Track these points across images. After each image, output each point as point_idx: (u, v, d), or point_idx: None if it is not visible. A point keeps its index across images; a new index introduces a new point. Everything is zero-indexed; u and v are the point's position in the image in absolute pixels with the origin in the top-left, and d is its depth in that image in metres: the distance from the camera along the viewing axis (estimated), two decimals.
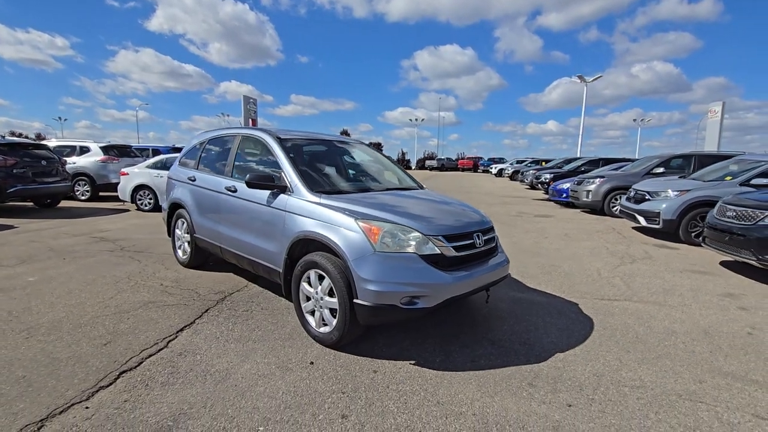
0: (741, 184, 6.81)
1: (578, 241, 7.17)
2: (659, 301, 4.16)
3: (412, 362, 2.82)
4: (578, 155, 25.37)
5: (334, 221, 2.87)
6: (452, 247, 2.84)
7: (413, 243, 2.74)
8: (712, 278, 5.07)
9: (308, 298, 3.10)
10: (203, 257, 4.72)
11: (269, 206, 3.38)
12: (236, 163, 4.01)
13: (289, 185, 3.30)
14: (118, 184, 10.32)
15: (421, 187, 4.11)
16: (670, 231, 7.19)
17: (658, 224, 7.26)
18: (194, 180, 4.49)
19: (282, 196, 3.32)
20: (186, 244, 4.75)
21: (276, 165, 3.58)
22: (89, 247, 5.80)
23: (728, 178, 7.11)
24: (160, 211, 9.58)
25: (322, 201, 3.07)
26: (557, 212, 11.17)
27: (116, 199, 11.16)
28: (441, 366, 2.77)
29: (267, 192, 3.43)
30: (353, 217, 2.82)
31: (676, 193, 7.22)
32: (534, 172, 18.50)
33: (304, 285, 3.08)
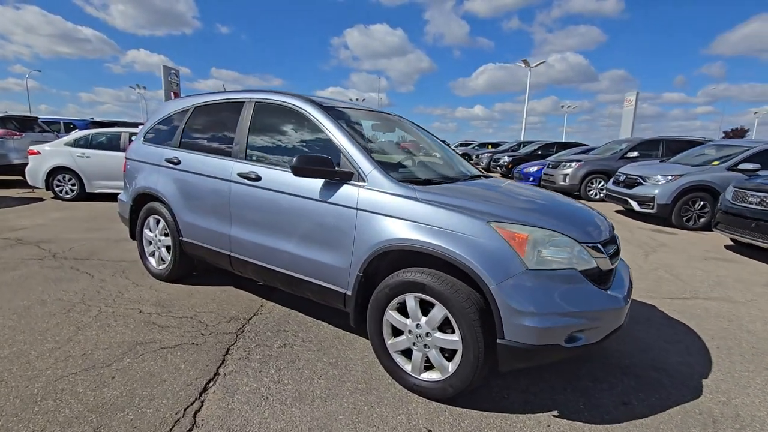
0: (728, 169, 6.97)
1: None
2: (725, 297, 3.87)
3: (555, 414, 2.09)
4: (522, 139, 26.17)
5: (450, 225, 1.99)
6: (608, 256, 2.12)
7: (569, 255, 1.97)
8: (739, 266, 4.99)
9: (398, 332, 2.21)
10: (189, 267, 3.52)
11: (326, 202, 2.38)
12: (252, 141, 2.88)
13: (358, 172, 2.32)
14: (23, 165, 8.14)
15: (486, 175, 3.32)
16: (663, 216, 7.21)
17: (653, 209, 7.25)
18: (178, 163, 3.24)
19: (347, 187, 2.33)
20: (164, 249, 3.50)
21: (322, 144, 2.56)
22: (3, 255, 4.20)
23: (715, 162, 7.26)
24: (85, 200, 7.74)
25: (418, 195, 2.16)
26: None
27: (21, 184, 8.89)
28: (593, 415, 2.07)
29: (318, 182, 2.42)
30: (483, 218, 1.96)
31: (668, 177, 7.23)
32: (490, 155, 18.53)
33: (393, 315, 2.18)
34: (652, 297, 3.79)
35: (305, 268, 2.52)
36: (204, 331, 2.70)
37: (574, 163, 10.21)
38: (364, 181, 2.29)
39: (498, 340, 1.87)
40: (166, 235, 3.44)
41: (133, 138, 5.03)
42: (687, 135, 10.37)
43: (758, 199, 5.08)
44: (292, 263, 2.57)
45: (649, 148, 10.11)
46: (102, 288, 3.37)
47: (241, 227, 2.82)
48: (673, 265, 4.90)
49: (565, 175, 10.23)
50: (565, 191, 10.56)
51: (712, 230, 6.14)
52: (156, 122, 3.68)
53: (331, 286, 2.41)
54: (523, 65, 27.94)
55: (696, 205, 7.09)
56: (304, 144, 2.70)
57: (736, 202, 5.40)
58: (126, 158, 3.80)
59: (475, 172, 3.21)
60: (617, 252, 2.29)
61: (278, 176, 2.62)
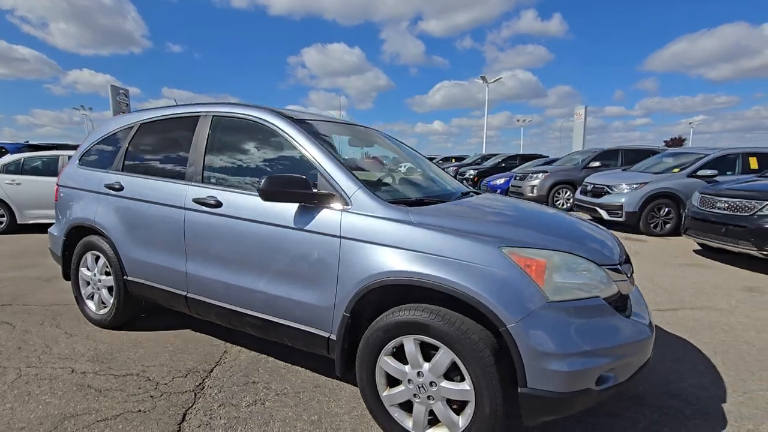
0: (689, 176, 7.21)
1: None
2: (710, 305, 3.81)
3: None
4: (483, 152, 26.79)
5: (455, 253, 1.69)
6: (628, 279, 1.88)
7: (591, 280, 1.71)
8: (712, 271, 5.03)
9: (395, 382, 1.86)
10: (136, 310, 3.00)
11: (303, 230, 2.01)
12: (210, 161, 2.47)
13: (339, 193, 1.98)
14: None
15: (476, 192, 3.07)
16: (631, 223, 7.32)
17: (621, 217, 7.35)
18: (121, 189, 2.76)
19: (327, 211, 1.98)
20: (105, 291, 2.96)
21: (294, 163, 2.21)
22: None
23: (676, 170, 7.50)
24: (17, 233, 6.84)
25: (413, 218, 1.84)
26: None
27: None
28: None
29: (292, 207, 2.05)
30: (493, 244, 1.67)
31: (634, 185, 7.38)
32: (455, 168, 18.70)
33: (389, 361, 1.83)
34: None
35: (280, 309, 2.12)
36: (153, 392, 2.21)
37: (540, 174, 10.35)
38: (348, 204, 1.95)
39: (520, 389, 1.56)
40: (107, 274, 2.91)
41: None
42: (642, 145, 10.80)
43: (726, 204, 5.18)
44: (265, 304, 2.16)
45: (608, 158, 10.43)
46: (25, 342, 2.78)
47: (199, 263, 2.38)
48: (651, 273, 4.86)
49: (533, 186, 10.34)
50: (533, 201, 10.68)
51: (678, 236, 6.27)
52: (94, 142, 3.17)
53: (313, 330, 2.03)
54: (481, 81, 28.83)
55: (661, 212, 7.25)
56: (273, 163, 2.33)
57: (704, 208, 5.50)
58: (58, 185, 3.25)
59: (465, 188, 2.95)
60: (632, 273, 2.08)
61: (243, 201, 2.22)
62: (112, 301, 2.90)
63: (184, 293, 2.47)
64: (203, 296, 2.39)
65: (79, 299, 3.12)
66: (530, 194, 10.34)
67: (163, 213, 2.51)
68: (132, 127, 2.95)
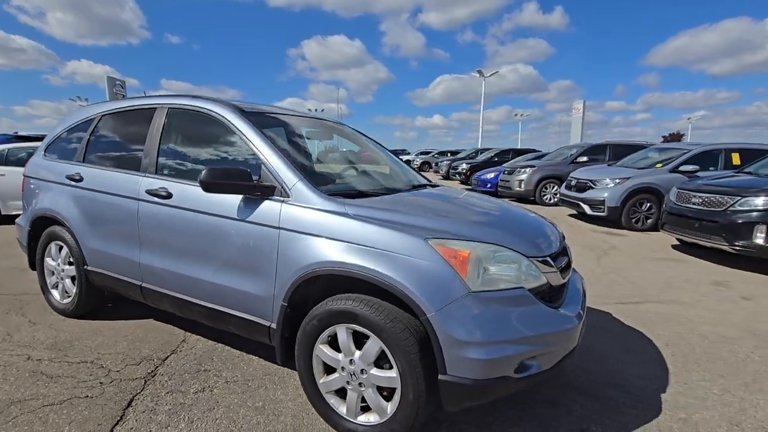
0: (671, 171, 7.24)
1: None
2: (675, 299, 3.86)
3: None
4: (479, 146, 26.73)
5: (385, 244, 1.73)
6: (559, 270, 1.93)
7: (516, 272, 1.76)
8: (686, 265, 5.08)
9: (330, 369, 1.91)
10: (100, 299, 3.04)
11: (245, 221, 2.05)
12: (164, 152, 2.50)
13: (280, 185, 2.02)
14: None
15: (434, 184, 3.10)
16: (613, 218, 7.36)
17: (603, 212, 7.40)
18: (80, 180, 2.79)
19: (268, 203, 2.02)
20: (68, 281, 3.01)
21: (243, 155, 2.24)
22: None
23: (659, 165, 7.53)
24: (1, 224, 6.87)
25: (349, 210, 1.88)
26: None
27: None
28: None
29: (237, 198, 2.09)
30: (419, 235, 1.71)
31: (617, 180, 7.41)
32: (449, 163, 18.69)
33: (324, 349, 1.88)
34: (605, 303, 3.71)
35: (226, 298, 2.17)
36: (104, 378, 2.27)
37: (528, 169, 10.37)
38: (288, 196, 1.99)
39: (440, 377, 1.61)
40: (70, 263, 2.95)
41: None
42: (631, 140, 10.81)
43: (700, 200, 5.22)
44: (212, 294, 2.21)
45: (597, 153, 10.45)
46: None
47: (153, 253, 2.43)
48: (624, 267, 4.91)
49: (520, 180, 10.36)
50: (521, 197, 10.71)
51: (659, 231, 6.31)
52: (59, 133, 3.20)
53: (255, 319, 2.08)
54: (478, 75, 28.70)
55: (643, 207, 7.29)
56: (223, 155, 2.37)
57: (679, 203, 5.54)
58: (24, 175, 3.28)
59: (423, 181, 2.99)
60: (569, 264, 2.12)
61: (192, 193, 2.26)
62: (74, 290, 2.95)
63: (139, 283, 2.52)
64: (157, 286, 2.44)
65: (45, 289, 3.17)
66: (518, 189, 10.37)
67: (119, 204, 2.55)
68: (94, 118, 2.98)
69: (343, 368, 1.84)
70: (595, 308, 3.57)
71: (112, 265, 2.64)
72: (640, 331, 3.14)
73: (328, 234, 1.84)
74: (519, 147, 20.57)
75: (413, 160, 31.87)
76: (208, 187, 1.96)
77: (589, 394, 2.30)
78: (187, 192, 2.27)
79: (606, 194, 7.37)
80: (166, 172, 2.45)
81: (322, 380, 1.92)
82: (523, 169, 10.43)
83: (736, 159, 7.35)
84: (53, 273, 3.10)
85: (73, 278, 2.97)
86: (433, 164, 22.60)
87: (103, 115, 2.95)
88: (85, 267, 2.79)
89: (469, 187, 14.57)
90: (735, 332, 3.15)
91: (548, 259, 1.88)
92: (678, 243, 6.20)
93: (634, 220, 7.30)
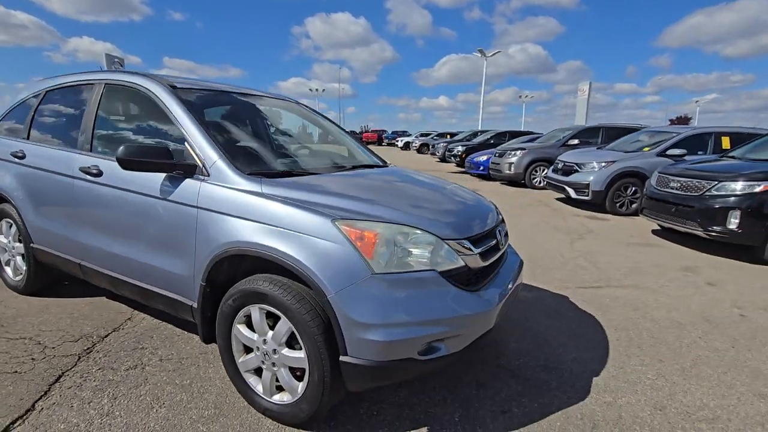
0: (658, 155, 7.10)
1: (517, 217, 6.86)
2: (637, 284, 3.84)
3: (423, 431, 1.86)
4: (479, 128, 26.37)
5: (294, 224, 1.70)
6: (479, 254, 1.90)
7: (428, 254, 1.73)
8: (659, 250, 5.04)
9: (249, 349, 1.91)
10: (50, 277, 3.06)
11: (167, 200, 2.03)
12: (98, 129, 2.46)
13: (201, 164, 1.98)
14: None
15: (386, 164, 3.05)
16: (598, 202, 7.28)
17: (588, 195, 7.31)
18: (23, 157, 2.77)
19: (189, 182, 1.99)
20: (19, 258, 3.02)
21: (170, 132, 2.19)
22: None
23: (646, 149, 7.39)
24: None
25: (265, 189, 1.85)
26: (480, 185, 11.02)
27: None
28: (466, 430, 1.87)
29: (160, 176, 2.06)
30: (328, 215, 1.68)
31: (602, 164, 7.30)
32: (445, 145, 18.47)
33: (241, 329, 1.88)
34: (566, 287, 3.69)
35: (153, 277, 2.16)
36: (38, 354, 2.29)
37: (518, 152, 10.23)
38: (208, 174, 1.96)
39: (341, 358, 1.60)
40: (19, 241, 2.96)
41: None
42: (626, 123, 10.60)
43: (678, 184, 5.13)
44: (140, 272, 2.21)
45: (589, 136, 10.26)
46: None
47: (88, 231, 2.41)
48: (595, 252, 4.87)
49: (510, 163, 10.24)
50: (512, 180, 10.61)
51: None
52: (9, 110, 3.16)
53: (179, 298, 2.08)
54: (479, 55, 28.06)
55: (628, 191, 7.20)
56: (153, 132, 2.32)
57: (659, 188, 5.46)
58: None
59: (372, 161, 2.94)
60: (496, 247, 2.08)
61: (122, 171, 2.21)
62: (24, 268, 2.96)
63: (78, 261, 2.52)
64: (94, 264, 2.44)
65: None
66: (507, 172, 10.26)
67: (57, 181, 2.53)
68: (39, 94, 2.93)
69: (258, 348, 1.84)
70: (554, 292, 3.56)
71: (55, 243, 2.64)
72: (593, 316, 3.12)
73: (241, 214, 1.81)
74: (522, 129, 20.27)
75: (412, 142, 31.60)
76: (124, 164, 1.93)
77: (521, 376, 2.30)
78: (117, 170, 2.23)
79: (591, 178, 7.28)
80: (99, 149, 2.41)
81: (241, 359, 1.93)
82: (513, 152, 10.29)
83: (726, 143, 7.19)
84: (5, 250, 3.11)
85: (23, 255, 2.98)
86: (430, 146, 22.35)
87: (47, 91, 2.90)
88: (31, 245, 2.80)
89: (463, 170, 14.44)
90: (688, 318, 3.13)
91: (466, 241, 1.85)
92: (659, 228, 6.14)
93: (618, 205, 7.22)
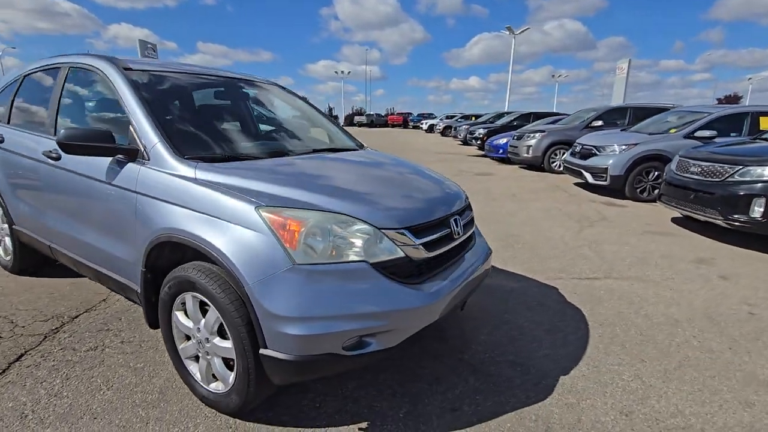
0: (685, 137, 6.57)
1: (528, 202, 6.57)
2: (641, 276, 3.57)
3: (362, 426, 1.79)
4: (506, 110, 25.44)
5: (219, 211, 1.63)
6: (422, 244, 1.77)
7: (360, 244, 1.62)
8: (674, 240, 4.68)
9: (187, 336, 1.89)
10: (37, 257, 3.15)
11: (111, 184, 2.01)
12: (61, 112, 2.47)
13: (143, 147, 1.93)
14: None
15: (362, 147, 2.93)
16: (616, 187, 6.86)
17: (606, 180, 6.89)
18: (2, 141, 2.83)
19: (131, 166, 1.95)
20: (8, 238, 3.13)
21: (122, 114, 2.16)
22: None
23: (673, 130, 6.85)
24: None
25: (199, 175, 1.78)
26: (497, 169, 10.65)
27: None
28: (408, 427, 1.78)
29: (107, 161, 2.03)
30: (252, 202, 1.60)
31: (623, 147, 6.83)
32: (467, 127, 17.94)
33: (179, 316, 1.85)
34: (560, 277, 3.49)
35: (105, 260, 2.17)
36: (7, 333, 2.37)
37: (537, 134, 9.76)
38: (148, 159, 1.91)
39: (261, 351, 1.54)
40: (5, 223, 3.06)
41: None
42: (656, 102, 9.88)
43: (699, 169, 4.72)
44: (94, 255, 2.22)
45: (615, 117, 9.63)
46: None
47: (53, 214, 2.45)
48: (603, 241, 4.58)
49: (529, 146, 9.80)
50: (530, 163, 10.17)
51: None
52: None
53: (126, 282, 2.07)
54: (508, 33, 26.84)
55: (650, 176, 6.73)
56: (107, 113, 2.30)
57: (678, 173, 5.05)
58: None
59: (345, 144, 2.83)
60: (448, 236, 1.94)
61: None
62: (11, 248, 3.07)
63: (48, 243, 2.57)
64: (59, 246, 2.48)
65: None
66: (525, 155, 9.83)
67: (27, 165, 2.57)
68: (18, 79, 2.98)
69: (194, 336, 1.81)
70: (543, 282, 3.37)
71: (30, 225, 2.70)
72: (580, 309, 2.93)
73: (173, 200, 1.76)
74: (554, 110, 19.33)
75: (437, 125, 30.95)
76: (65, 148, 1.90)
77: (483, 372, 2.18)
78: None
79: (610, 162, 6.84)
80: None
81: (181, 346, 1.91)
82: (532, 135, 9.83)
83: (765, 123, 6.55)
84: None
85: (9, 236, 3.08)
86: (453, 129, 21.74)
87: (25, 76, 2.94)
88: (13, 226, 2.88)
89: (484, 153, 14.00)
90: (688, 314, 2.88)
91: (406, 231, 1.72)
92: (680, 216, 5.71)
93: (639, 190, 6.77)
